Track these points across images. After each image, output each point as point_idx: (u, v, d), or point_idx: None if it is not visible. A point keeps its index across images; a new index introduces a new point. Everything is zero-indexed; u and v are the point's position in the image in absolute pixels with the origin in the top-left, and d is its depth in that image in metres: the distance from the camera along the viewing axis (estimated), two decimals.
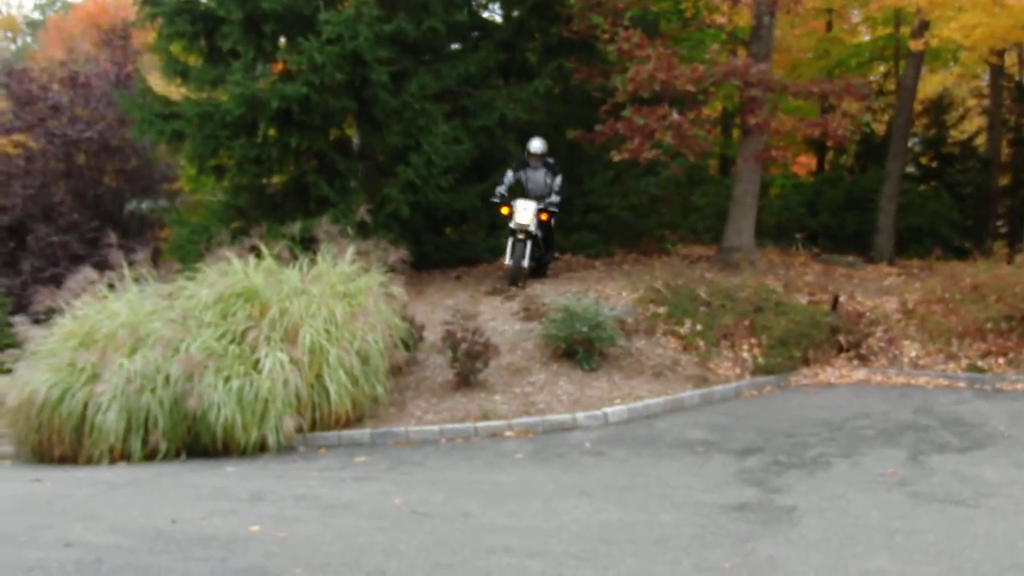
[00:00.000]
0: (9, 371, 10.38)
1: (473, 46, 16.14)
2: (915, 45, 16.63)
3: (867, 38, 23.59)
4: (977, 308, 12.08)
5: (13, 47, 46.30)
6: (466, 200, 15.04)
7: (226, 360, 9.42)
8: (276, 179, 15.79)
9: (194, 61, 15.60)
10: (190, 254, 13.27)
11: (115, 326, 9.84)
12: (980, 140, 23.95)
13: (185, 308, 10.02)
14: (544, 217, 13.72)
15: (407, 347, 10.93)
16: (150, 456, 9.26)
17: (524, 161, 14.14)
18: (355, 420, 9.89)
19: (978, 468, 7.94)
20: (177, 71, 15.36)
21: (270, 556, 5.96)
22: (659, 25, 16.91)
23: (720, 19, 16.76)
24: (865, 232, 18.99)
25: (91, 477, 8.60)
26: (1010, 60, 23.12)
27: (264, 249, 10.76)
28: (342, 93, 13.94)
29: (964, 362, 11.68)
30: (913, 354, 12.05)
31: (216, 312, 9.97)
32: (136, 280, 10.78)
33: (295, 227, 11.58)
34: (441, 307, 12.93)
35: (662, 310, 12.42)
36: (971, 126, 25.12)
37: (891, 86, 22.61)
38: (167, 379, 9.27)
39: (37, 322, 11.03)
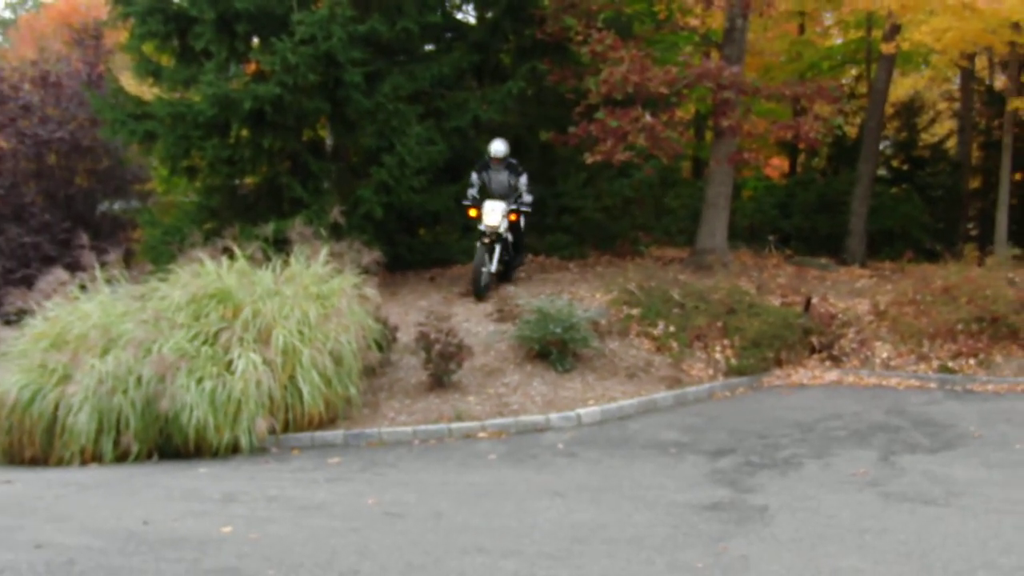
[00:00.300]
0: None
1: (447, 47, 16.14)
2: (887, 48, 16.77)
3: (839, 41, 23.79)
4: (948, 310, 12.21)
5: None
6: (439, 201, 15.00)
7: (199, 361, 9.39)
8: (249, 180, 15.67)
9: (166, 61, 15.49)
10: (162, 255, 13.16)
11: (87, 327, 9.79)
12: (951, 143, 24.12)
13: (157, 309, 9.98)
14: (513, 218, 13.68)
15: (380, 348, 10.91)
16: (122, 457, 9.21)
17: (486, 163, 14.06)
18: (328, 421, 9.88)
19: (949, 468, 8.03)
20: (149, 71, 15.24)
21: (243, 557, 5.94)
22: (632, 27, 16.97)
23: (693, 21, 16.85)
24: (837, 234, 19.07)
25: (62, 478, 8.54)
26: (980, 64, 23.34)
27: (237, 250, 10.73)
28: (315, 94, 13.87)
29: (935, 363, 11.80)
30: (885, 355, 12.16)
31: (189, 313, 9.94)
32: (108, 281, 10.73)
33: (268, 228, 11.50)
34: (415, 308, 12.91)
35: (636, 312, 12.46)
36: (942, 129, 25.31)
37: (863, 89, 22.79)
38: (139, 380, 9.22)
39: (8, 323, 10.96)
